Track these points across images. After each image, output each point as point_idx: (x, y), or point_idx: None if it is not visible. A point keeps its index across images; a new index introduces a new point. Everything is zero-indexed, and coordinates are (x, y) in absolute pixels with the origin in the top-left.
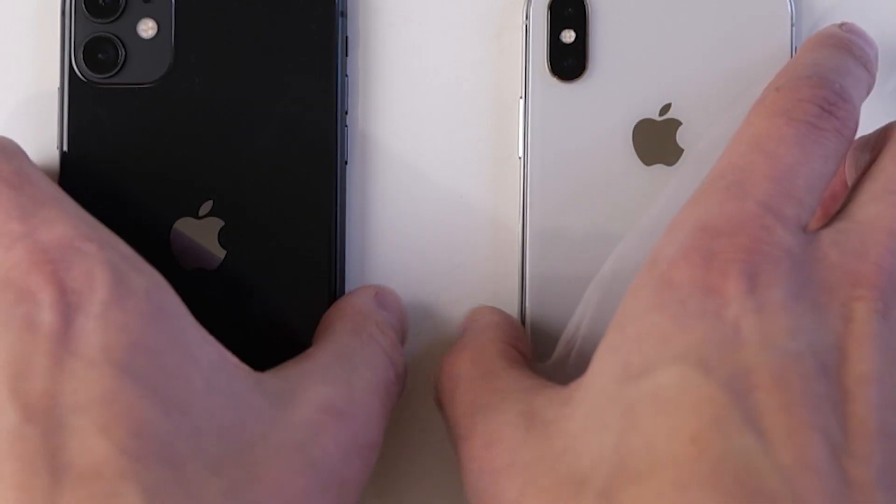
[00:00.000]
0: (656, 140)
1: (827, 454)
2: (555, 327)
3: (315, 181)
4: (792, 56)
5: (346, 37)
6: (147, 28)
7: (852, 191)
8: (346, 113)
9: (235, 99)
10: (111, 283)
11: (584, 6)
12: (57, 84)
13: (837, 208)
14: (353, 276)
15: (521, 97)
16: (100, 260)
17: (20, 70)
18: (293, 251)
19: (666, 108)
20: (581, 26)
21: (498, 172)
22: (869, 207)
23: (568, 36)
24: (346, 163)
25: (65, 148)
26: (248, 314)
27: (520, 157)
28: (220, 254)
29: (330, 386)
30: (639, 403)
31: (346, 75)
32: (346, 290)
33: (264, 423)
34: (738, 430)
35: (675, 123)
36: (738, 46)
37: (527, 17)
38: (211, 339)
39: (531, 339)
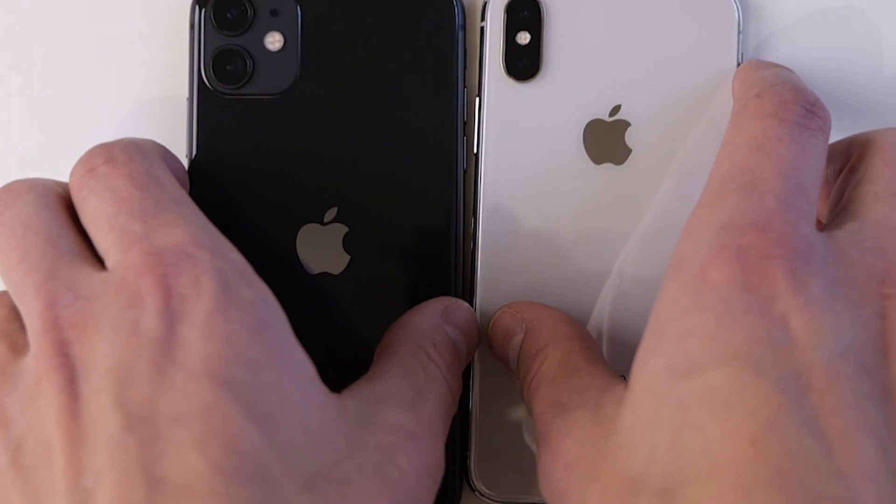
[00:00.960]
0: (606, 140)
1: (880, 458)
2: None
3: (436, 189)
4: (739, 61)
5: (466, 49)
6: (274, 41)
7: (845, 194)
8: (466, 123)
9: (359, 109)
10: (217, 291)
11: (539, 9)
12: (186, 94)
13: (833, 211)
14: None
15: (476, 96)
16: (209, 268)
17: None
18: (415, 256)
19: (616, 110)
20: (536, 29)
21: None
22: (875, 209)
23: (523, 38)
24: (465, 171)
25: (194, 155)
26: (371, 317)
27: (475, 154)
28: (345, 259)
29: (400, 409)
30: (690, 402)
31: (465, 87)
32: (472, 296)
33: (348, 442)
34: (798, 433)
35: (625, 124)
36: (686, 51)
37: (483, 19)
38: (307, 356)
39: (479, 320)
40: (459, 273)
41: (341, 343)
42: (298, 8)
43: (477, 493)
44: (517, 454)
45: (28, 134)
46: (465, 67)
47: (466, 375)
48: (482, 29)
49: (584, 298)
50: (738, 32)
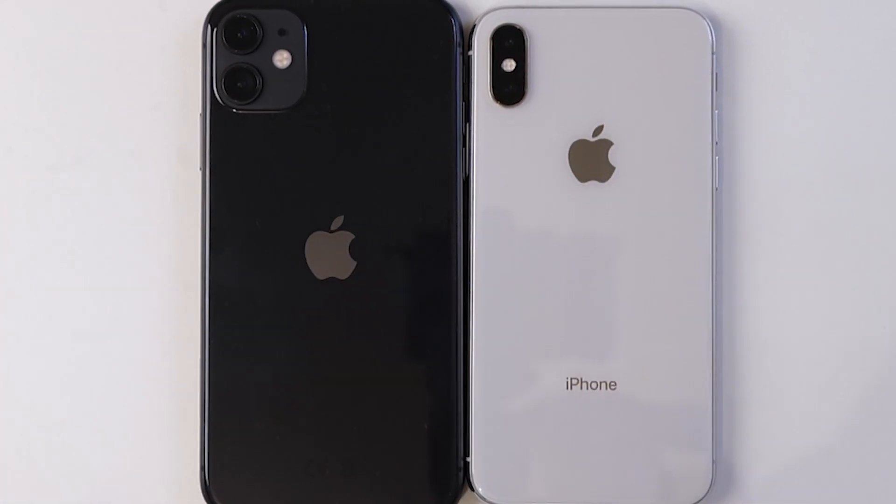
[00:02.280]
0: (590, 159)
1: None
2: (498, 333)
3: (437, 197)
4: (713, 80)
5: (464, 64)
6: (282, 59)
7: None
8: (465, 135)
9: (363, 123)
10: None
11: (523, 38)
12: (199, 107)
13: None
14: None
15: (466, 121)
16: None
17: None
18: (418, 261)
19: (598, 130)
20: (520, 56)
21: None
22: None
23: (509, 65)
24: (466, 179)
25: (207, 168)
26: (376, 319)
27: (466, 176)
28: (351, 265)
29: None
30: None
31: (464, 101)
32: (468, 297)
33: None
34: None
35: (607, 143)
36: (663, 72)
37: (471, 48)
38: None
39: (474, 340)
40: (460, 277)
41: (347, 344)
42: (305, 28)
43: (478, 496)
44: (518, 458)
45: (53, 142)
46: (463, 82)
47: (466, 378)
48: (470, 57)
49: (570, 301)
50: (712, 54)
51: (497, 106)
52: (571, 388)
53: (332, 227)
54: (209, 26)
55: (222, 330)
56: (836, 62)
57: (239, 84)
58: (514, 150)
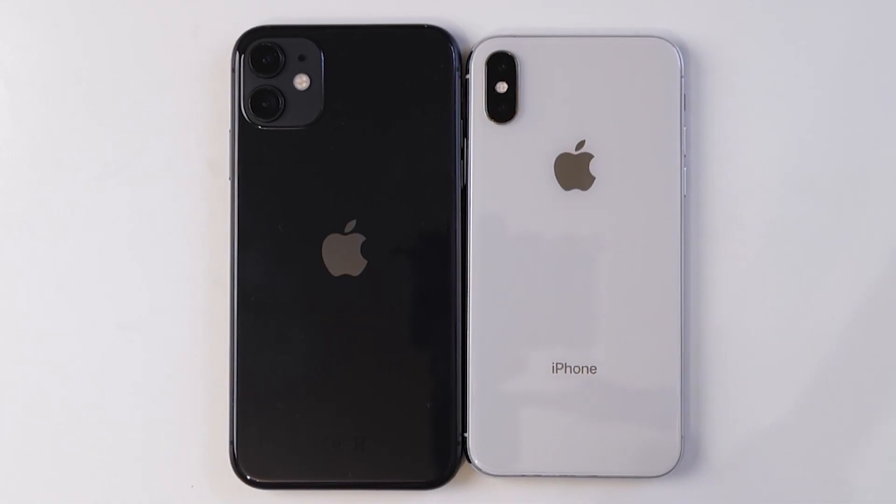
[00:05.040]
0: (573, 170)
1: None
2: (492, 323)
3: (438, 203)
4: (682, 101)
5: (463, 86)
6: (302, 82)
7: None
8: (463, 148)
9: (374, 138)
10: None
11: (514, 63)
12: (228, 126)
13: None
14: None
15: (464, 136)
16: None
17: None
18: (422, 260)
19: (581, 144)
20: (512, 79)
21: None
22: None
23: (502, 87)
24: (464, 188)
25: (235, 178)
26: (385, 312)
27: (464, 185)
28: (363, 263)
29: None
30: None
31: (463, 118)
32: (466, 292)
33: None
34: None
35: (588, 156)
36: (637, 93)
37: (468, 72)
38: None
39: (471, 330)
40: (459, 275)
41: (359, 333)
42: (322, 54)
43: (474, 467)
44: (509, 434)
45: (98, 154)
46: (461, 102)
47: (464, 363)
48: (467, 80)
49: (555, 296)
50: (681, 77)
51: (491, 123)
52: (557, 371)
53: (346, 230)
54: (237, 53)
55: (249, 321)
56: (788, 85)
57: (263, 104)
58: (506, 163)
